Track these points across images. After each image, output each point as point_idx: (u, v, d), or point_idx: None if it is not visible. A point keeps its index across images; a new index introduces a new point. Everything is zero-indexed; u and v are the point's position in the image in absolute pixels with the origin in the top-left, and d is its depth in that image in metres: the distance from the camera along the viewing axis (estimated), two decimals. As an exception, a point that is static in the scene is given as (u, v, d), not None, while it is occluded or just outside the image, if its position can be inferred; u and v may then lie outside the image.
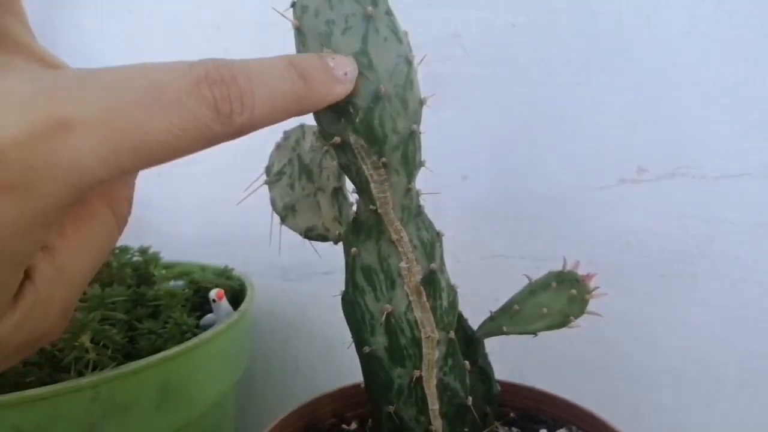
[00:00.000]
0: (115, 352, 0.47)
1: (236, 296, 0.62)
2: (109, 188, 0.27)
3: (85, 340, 0.44)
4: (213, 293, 0.56)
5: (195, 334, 0.51)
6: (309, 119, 0.34)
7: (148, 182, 0.86)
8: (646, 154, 0.57)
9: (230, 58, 0.24)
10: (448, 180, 0.66)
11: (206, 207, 0.83)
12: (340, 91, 0.30)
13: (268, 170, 0.45)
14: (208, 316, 0.57)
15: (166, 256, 0.69)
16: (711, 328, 0.57)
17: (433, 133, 0.65)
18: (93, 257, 0.25)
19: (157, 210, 0.87)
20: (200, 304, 0.61)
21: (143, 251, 0.65)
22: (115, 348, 0.47)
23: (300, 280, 0.77)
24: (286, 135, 0.44)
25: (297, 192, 0.43)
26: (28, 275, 0.22)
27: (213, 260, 0.72)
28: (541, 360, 0.65)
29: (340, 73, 0.30)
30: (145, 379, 0.46)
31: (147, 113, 0.20)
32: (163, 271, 0.62)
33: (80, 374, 0.44)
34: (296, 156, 0.43)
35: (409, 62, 0.33)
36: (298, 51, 0.32)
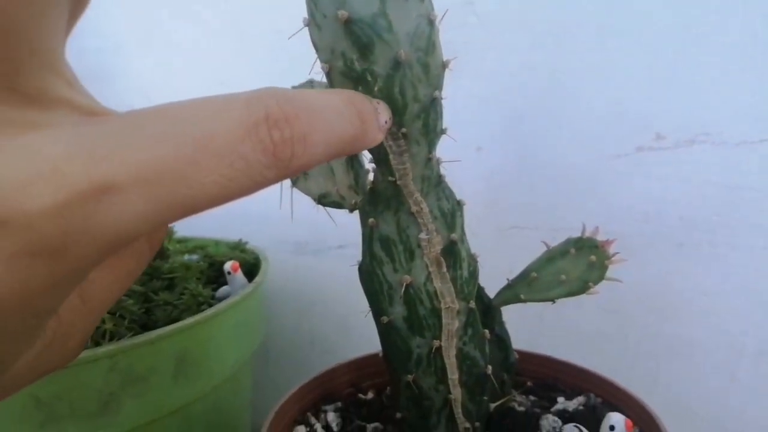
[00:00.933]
0: (131, 323, 0.47)
1: (251, 270, 0.62)
2: None
3: (102, 310, 0.44)
4: (228, 265, 0.56)
5: (211, 306, 0.51)
6: (321, 76, 0.33)
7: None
8: (664, 120, 0.56)
9: (289, 89, 0.21)
10: (463, 151, 0.65)
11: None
12: (378, 139, 0.28)
13: None
14: (224, 288, 0.57)
15: (180, 232, 0.69)
16: (730, 297, 0.57)
17: (447, 104, 0.64)
18: (122, 287, 0.24)
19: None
20: (215, 278, 0.61)
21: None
22: (131, 318, 0.47)
23: (314, 255, 0.77)
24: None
25: None
26: None
27: (227, 236, 0.72)
28: (557, 330, 0.64)
29: (382, 122, 0.28)
30: (162, 349, 0.46)
31: (195, 167, 0.18)
32: (177, 246, 0.62)
33: (97, 344, 0.44)
34: None
35: (431, 22, 0.31)
36: (310, 13, 0.30)
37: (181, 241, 0.66)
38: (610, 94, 0.58)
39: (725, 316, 0.57)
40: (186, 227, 0.71)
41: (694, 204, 0.56)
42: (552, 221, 0.63)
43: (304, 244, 0.78)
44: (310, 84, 0.43)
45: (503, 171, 0.64)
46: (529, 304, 0.66)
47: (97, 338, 0.45)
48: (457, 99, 0.64)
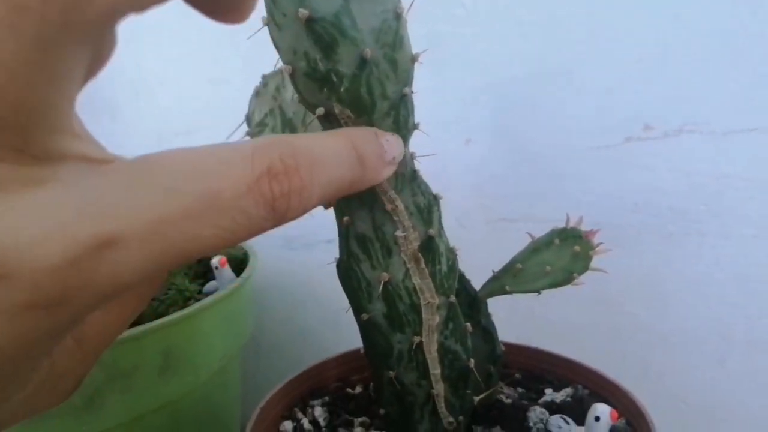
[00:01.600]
0: (116, 319, 0.47)
1: (239, 265, 0.62)
2: None
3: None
4: (215, 260, 0.56)
5: (198, 301, 0.51)
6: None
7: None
8: (653, 111, 0.56)
9: (290, 135, 0.22)
10: (451, 144, 0.65)
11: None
12: (386, 175, 0.28)
13: (248, 119, 0.42)
14: (211, 283, 0.57)
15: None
16: (720, 287, 0.57)
17: (435, 95, 0.65)
18: (120, 327, 0.24)
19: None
20: (203, 273, 0.61)
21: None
22: (116, 314, 0.46)
23: (303, 249, 0.77)
24: (265, 80, 0.41)
25: None
26: None
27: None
28: (547, 323, 0.64)
29: (390, 158, 0.28)
30: (148, 345, 0.46)
31: (197, 222, 0.18)
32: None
33: (82, 340, 0.44)
34: (278, 107, 0.41)
35: (398, 16, 0.30)
36: (269, 11, 0.29)
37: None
38: (598, 85, 0.58)
39: (715, 305, 0.57)
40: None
41: (683, 194, 0.56)
42: (541, 213, 0.62)
43: (293, 238, 0.77)
44: (281, 74, 0.42)
45: (492, 163, 0.64)
46: (518, 297, 0.65)
47: (81, 334, 0.45)
48: (445, 91, 0.64)
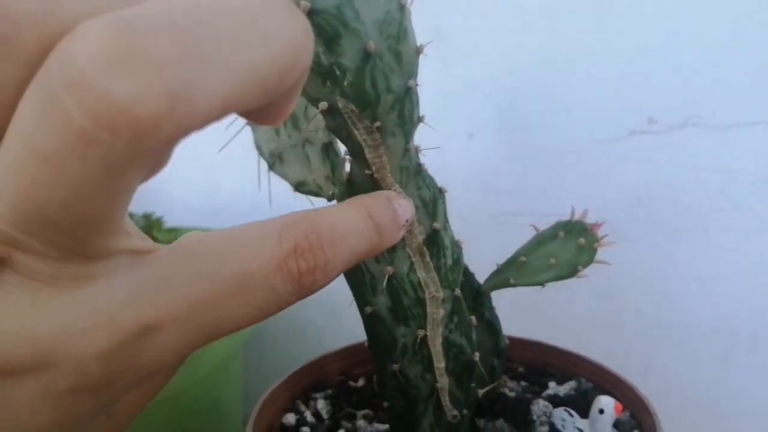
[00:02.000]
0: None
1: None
2: None
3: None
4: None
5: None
6: None
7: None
8: (657, 104, 0.56)
9: (313, 212, 0.23)
10: (454, 138, 0.65)
11: (210, 173, 0.82)
12: (399, 237, 0.29)
13: (258, 147, 0.43)
14: (213, 277, 0.57)
15: (170, 222, 0.68)
16: (724, 281, 0.56)
17: (438, 90, 0.64)
18: (147, 399, 0.24)
19: (160, 178, 0.86)
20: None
21: (147, 217, 0.64)
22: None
23: (306, 244, 0.77)
24: None
25: (283, 139, 0.41)
26: None
27: (218, 226, 0.72)
28: (551, 317, 0.64)
29: (403, 222, 0.29)
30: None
31: (231, 301, 0.20)
32: (167, 236, 0.62)
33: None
34: None
35: (401, 7, 0.29)
36: None
37: (171, 231, 0.65)
38: (602, 78, 0.57)
39: (719, 300, 0.57)
40: (176, 218, 0.71)
41: (687, 188, 0.56)
42: (545, 207, 0.62)
43: (296, 233, 0.77)
44: None
45: (495, 157, 0.64)
46: (522, 291, 0.65)
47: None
48: (447, 85, 0.64)
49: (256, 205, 0.78)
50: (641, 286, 0.59)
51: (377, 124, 0.31)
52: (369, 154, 0.32)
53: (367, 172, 0.33)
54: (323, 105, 0.30)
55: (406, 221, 0.29)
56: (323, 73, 0.29)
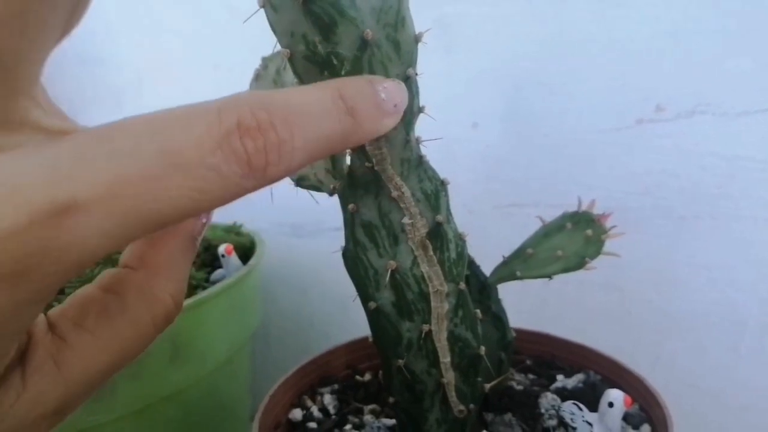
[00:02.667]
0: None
1: (247, 253, 0.61)
2: (148, 283, 0.24)
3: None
4: (222, 248, 0.55)
5: (205, 289, 0.51)
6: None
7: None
8: (665, 92, 0.55)
9: (267, 91, 0.21)
10: (458, 128, 0.64)
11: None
12: (389, 125, 0.26)
13: None
14: (218, 272, 0.57)
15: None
16: (732, 270, 0.56)
17: (441, 79, 0.63)
18: (110, 359, 0.22)
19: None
20: (210, 261, 0.61)
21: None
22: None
23: (311, 237, 0.77)
24: (265, 63, 0.40)
25: None
26: (21, 362, 0.20)
27: (223, 220, 0.71)
28: (559, 309, 0.64)
29: (390, 106, 0.25)
30: (156, 334, 0.45)
31: (161, 182, 0.18)
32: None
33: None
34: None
35: None
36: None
37: (175, 225, 0.65)
38: (609, 66, 0.57)
39: (728, 289, 0.56)
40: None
41: (695, 176, 0.55)
42: (551, 197, 0.62)
43: (300, 226, 0.77)
44: (281, 56, 0.41)
45: (500, 147, 0.63)
46: (529, 283, 0.65)
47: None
48: (451, 75, 0.63)
49: (259, 195, 0.78)
50: (649, 276, 0.59)
51: None
52: (369, 146, 0.32)
53: (367, 164, 0.33)
54: None
55: (395, 106, 0.26)
56: (320, 63, 0.28)
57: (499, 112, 0.63)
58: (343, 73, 0.28)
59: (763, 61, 0.51)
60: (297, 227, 0.77)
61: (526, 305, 0.64)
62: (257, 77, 0.41)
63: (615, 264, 0.59)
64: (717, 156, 0.54)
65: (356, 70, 0.29)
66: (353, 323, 0.74)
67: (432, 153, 0.36)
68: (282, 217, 0.77)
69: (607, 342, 0.49)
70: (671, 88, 0.55)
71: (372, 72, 0.29)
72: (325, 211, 0.75)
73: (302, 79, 0.30)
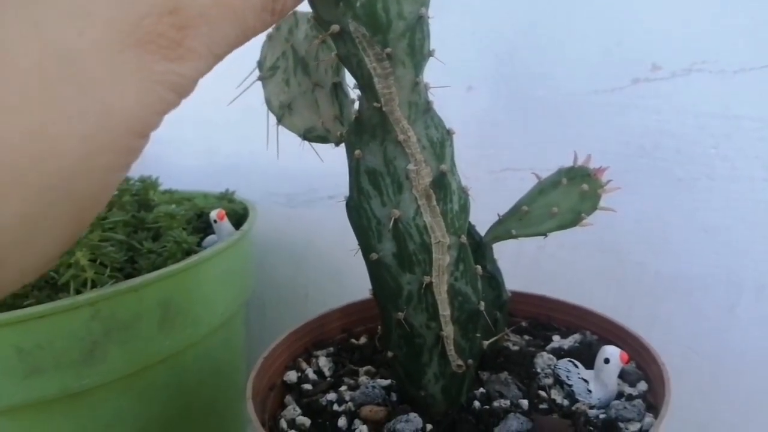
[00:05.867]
0: (114, 271, 0.46)
1: (240, 221, 0.60)
2: None
3: (81, 257, 0.43)
4: (214, 214, 0.54)
5: (196, 254, 0.50)
6: (302, 6, 0.32)
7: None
8: (660, 50, 0.54)
9: None
10: (452, 91, 0.63)
11: (206, 135, 0.81)
12: None
13: (260, 65, 0.41)
14: (210, 237, 0.56)
15: (167, 185, 0.67)
16: (729, 232, 0.55)
17: (436, 41, 0.62)
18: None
19: (157, 141, 0.84)
20: (203, 229, 0.60)
21: (143, 180, 0.63)
22: (113, 267, 0.46)
23: (305, 206, 0.76)
24: (278, 24, 0.41)
25: (293, 88, 0.41)
26: None
27: (216, 190, 0.71)
28: (554, 273, 0.63)
29: None
30: (146, 297, 0.45)
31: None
32: (163, 197, 0.61)
33: (78, 293, 0.43)
34: (290, 48, 0.40)
35: None
36: None
37: (167, 192, 0.64)
38: (604, 24, 0.56)
39: (724, 251, 0.56)
40: (175, 182, 0.70)
41: (692, 136, 0.55)
42: (547, 162, 0.60)
43: (294, 195, 0.76)
44: (294, 16, 0.41)
45: (495, 110, 0.63)
46: (524, 248, 0.64)
47: (78, 287, 0.44)
48: (446, 37, 0.62)
49: (252, 166, 0.77)
50: (645, 237, 0.58)
51: (388, 50, 0.31)
52: (378, 84, 0.32)
53: (375, 104, 0.33)
54: (335, 28, 0.31)
55: None
56: None
57: (494, 74, 0.62)
58: (357, 4, 0.30)
59: (760, 18, 0.50)
60: (291, 197, 0.76)
61: (521, 269, 0.64)
62: (270, 38, 0.41)
63: (611, 226, 0.59)
64: (714, 115, 0.54)
65: (371, 3, 0.30)
66: (349, 293, 0.73)
67: (433, 97, 0.36)
68: (276, 186, 0.77)
69: (603, 305, 0.49)
70: (667, 46, 0.54)
71: (385, 6, 0.30)
72: (319, 180, 0.74)
73: (317, 11, 0.31)
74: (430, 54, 0.33)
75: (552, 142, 0.60)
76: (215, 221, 0.54)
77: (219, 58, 0.24)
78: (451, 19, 0.61)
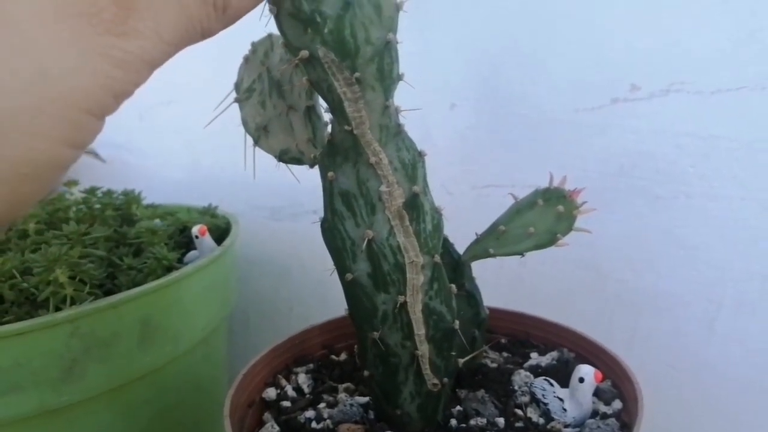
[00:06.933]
0: (93, 288, 0.46)
1: (222, 235, 0.61)
2: None
3: (61, 274, 0.43)
4: (195, 229, 0.55)
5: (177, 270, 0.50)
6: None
7: (130, 125, 0.84)
8: (640, 70, 0.55)
9: None
10: (436, 109, 0.64)
11: (190, 148, 0.81)
12: None
13: (237, 87, 0.42)
14: (192, 253, 0.56)
15: (150, 199, 0.67)
16: (708, 250, 0.56)
17: (419, 59, 0.63)
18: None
19: (140, 154, 0.85)
20: (186, 244, 0.60)
21: (127, 194, 0.63)
22: (93, 284, 0.46)
23: (289, 220, 0.76)
24: (254, 47, 0.41)
25: (269, 110, 0.41)
26: None
27: (200, 203, 0.71)
28: (534, 289, 0.64)
29: None
30: (125, 314, 0.45)
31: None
32: (146, 212, 0.61)
33: (58, 310, 0.43)
34: (266, 70, 0.41)
35: None
36: None
37: (150, 207, 0.65)
38: (585, 45, 0.56)
39: (703, 268, 0.56)
40: (159, 195, 0.70)
41: (670, 156, 0.55)
42: (528, 178, 0.61)
43: (279, 209, 0.76)
44: (269, 39, 0.41)
45: (478, 128, 0.63)
46: (506, 264, 0.65)
47: (58, 304, 0.44)
48: (430, 53, 0.63)
49: (236, 179, 0.78)
50: (624, 255, 0.59)
51: (357, 75, 0.32)
52: (349, 108, 0.33)
53: (346, 128, 0.34)
54: (304, 54, 0.31)
55: None
56: (304, 20, 0.30)
57: (476, 92, 0.62)
58: (326, 31, 0.30)
59: (737, 39, 0.51)
60: (275, 210, 0.77)
61: (502, 284, 0.65)
62: (246, 61, 0.42)
63: (591, 243, 0.60)
64: (692, 135, 0.54)
65: (338, 28, 0.30)
66: (332, 307, 0.73)
67: (410, 133, 0.36)
68: (260, 200, 0.77)
69: (582, 321, 0.49)
70: (646, 66, 0.55)
71: (353, 32, 0.31)
72: (304, 194, 0.75)
73: (287, 38, 0.32)
74: (400, 78, 0.34)
75: (534, 160, 0.61)
76: (197, 237, 0.54)
77: (169, 45, 0.25)
78: (435, 37, 0.62)
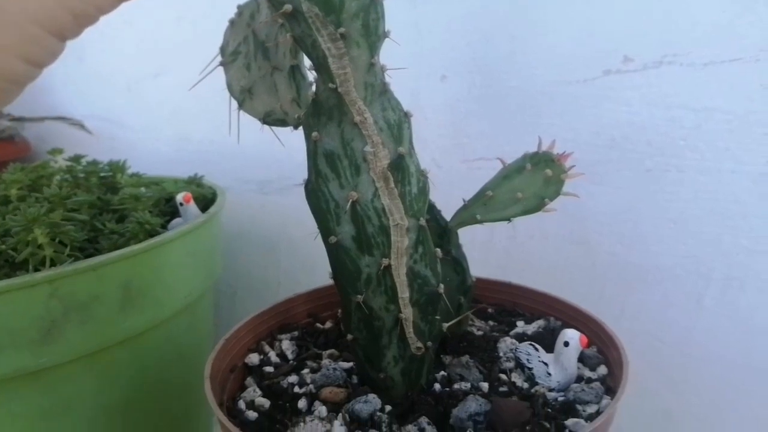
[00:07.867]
0: (74, 251, 0.45)
1: (208, 205, 0.60)
2: None
3: (40, 234, 0.43)
4: (180, 196, 0.54)
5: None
6: None
7: (118, 98, 0.83)
8: (633, 42, 0.54)
9: None
10: (426, 81, 0.63)
11: (178, 121, 0.80)
12: None
13: (222, 50, 0.41)
14: (176, 220, 0.55)
15: (135, 169, 0.67)
16: (698, 223, 0.56)
17: (411, 30, 0.62)
18: None
19: (128, 128, 0.84)
20: (171, 213, 0.59)
21: (111, 164, 0.62)
22: (73, 246, 0.45)
23: (278, 193, 0.75)
24: (240, 10, 0.41)
25: (254, 73, 0.41)
26: None
27: (185, 173, 0.70)
28: (524, 263, 0.63)
29: None
30: (106, 277, 0.44)
31: None
32: (130, 180, 0.60)
33: (37, 271, 0.43)
34: (251, 32, 0.40)
35: None
36: None
37: (134, 176, 0.64)
38: (578, 15, 0.56)
39: (692, 242, 0.56)
40: (147, 169, 0.69)
41: (662, 128, 0.55)
42: (520, 151, 0.60)
43: (266, 182, 0.76)
44: (255, 1, 0.41)
45: (469, 100, 0.62)
46: (496, 236, 0.64)
47: (37, 265, 0.43)
48: (421, 26, 0.62)
49: (224, 153, 0.77)
50: (615, 228, 0.59)
51: (341, 30, 0.31)
52: (333, 65, 0.32)
53: (330, 86, 0.33)
54: (288, 7, 0.30)
55: None
56: None
57: (467, 64, 0.61)
58: None
59: (731, 11, 0.50)
60: (264, 184, 0.76)
61: (491, 259, 0.64)
62: (232, 24, 0.42)
63: (581, 216, 0.59)
64: (684, 107, 0.54)
65: None
66: (320, 281, 0.73)
67: (389, 78, 0.36)
68: (248, 173, 0.76)
69: (573, 294, 0.49)
70: (639, 38, 0.54)
71: None
72: (292, 167, 0.74)
73: None
74: (386, 35, 0.33)
75: (525, 132, 0.60)
76: (181, 204, 0.54)
77: None
78: (426, 9, 0.61)
